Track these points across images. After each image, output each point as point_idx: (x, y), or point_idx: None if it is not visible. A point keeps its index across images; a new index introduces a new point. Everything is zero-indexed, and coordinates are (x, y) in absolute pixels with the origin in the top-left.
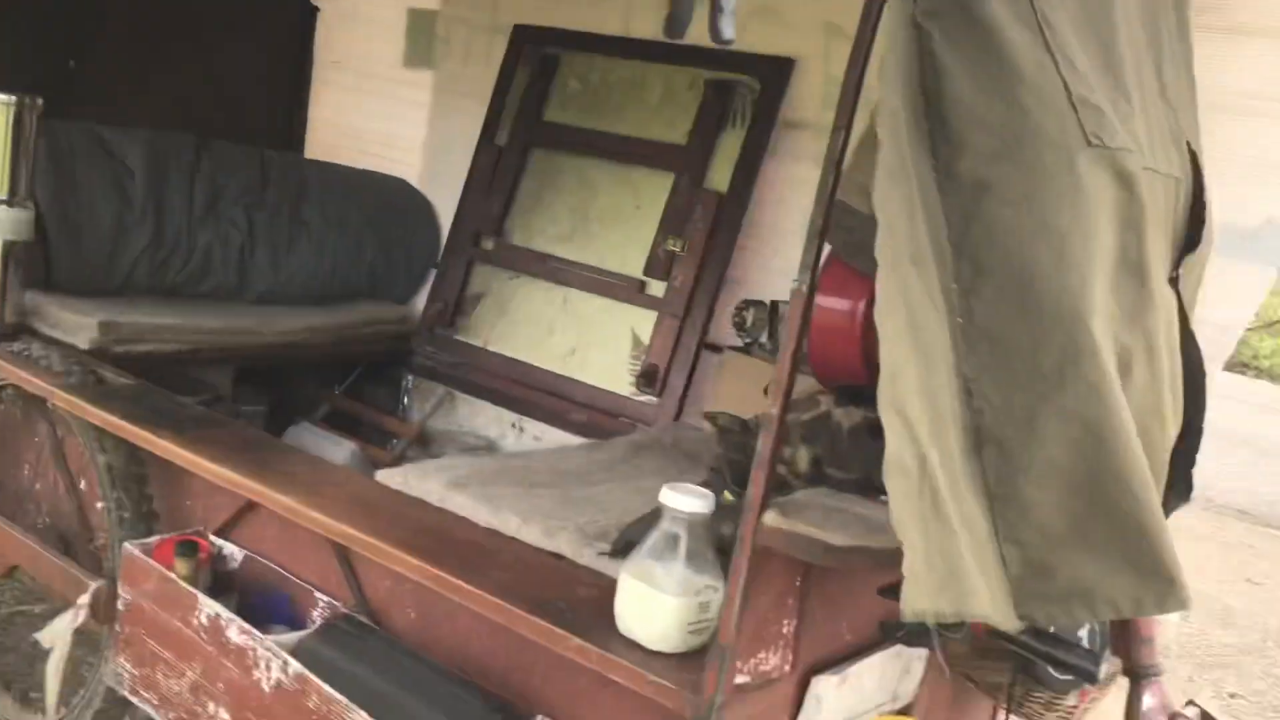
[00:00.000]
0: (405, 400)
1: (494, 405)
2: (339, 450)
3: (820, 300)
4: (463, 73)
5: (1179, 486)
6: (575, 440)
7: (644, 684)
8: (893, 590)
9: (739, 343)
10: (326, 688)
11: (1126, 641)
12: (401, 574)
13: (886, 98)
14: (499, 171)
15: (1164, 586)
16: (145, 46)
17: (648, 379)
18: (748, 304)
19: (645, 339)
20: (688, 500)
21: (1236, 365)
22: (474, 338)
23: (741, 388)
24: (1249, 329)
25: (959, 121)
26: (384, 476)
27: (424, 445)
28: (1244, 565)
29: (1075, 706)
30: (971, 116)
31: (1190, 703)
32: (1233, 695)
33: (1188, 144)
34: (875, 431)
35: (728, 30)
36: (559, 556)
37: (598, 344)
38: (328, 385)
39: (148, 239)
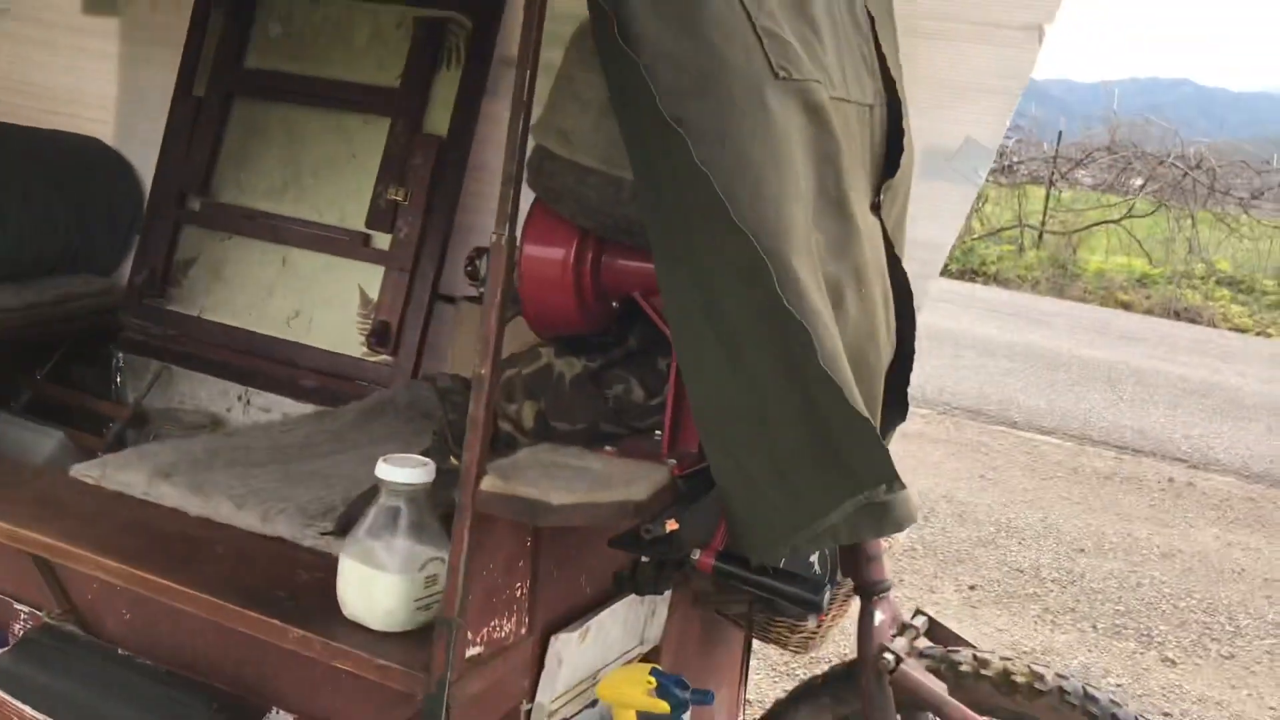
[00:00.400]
0: (118, 379)
1: (216, 378)
2: (45, 441)
3: (528, 250)
4: (152, 19)
5: (896, 406)
6: (307, 409)
7: (371, 669)
8: (621, 541)
9: (474, 292)
10: (28, 709)
11: (855, 561)
12: None
13: (585, 36)
14: (200, 125)
15: (880, 510)
16: None
17: (379, 337)
18: (480, 252)
19: (374, 295)
20: (404, 471)
21: (968, 272)
22: (188, 306)
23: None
24: (975, 238)
25: (649, 59)
26: (79, 471)
27: (141, 426)
28: (977, 463)
29: (817, 629)
30: (660, 53)
31: (918, 612)
32: (972, 587)
33: (885, 69)
34: (597, 380)
35: None
36: (280, 540)
37: (323, 304)
38: (29, 370)
39: None
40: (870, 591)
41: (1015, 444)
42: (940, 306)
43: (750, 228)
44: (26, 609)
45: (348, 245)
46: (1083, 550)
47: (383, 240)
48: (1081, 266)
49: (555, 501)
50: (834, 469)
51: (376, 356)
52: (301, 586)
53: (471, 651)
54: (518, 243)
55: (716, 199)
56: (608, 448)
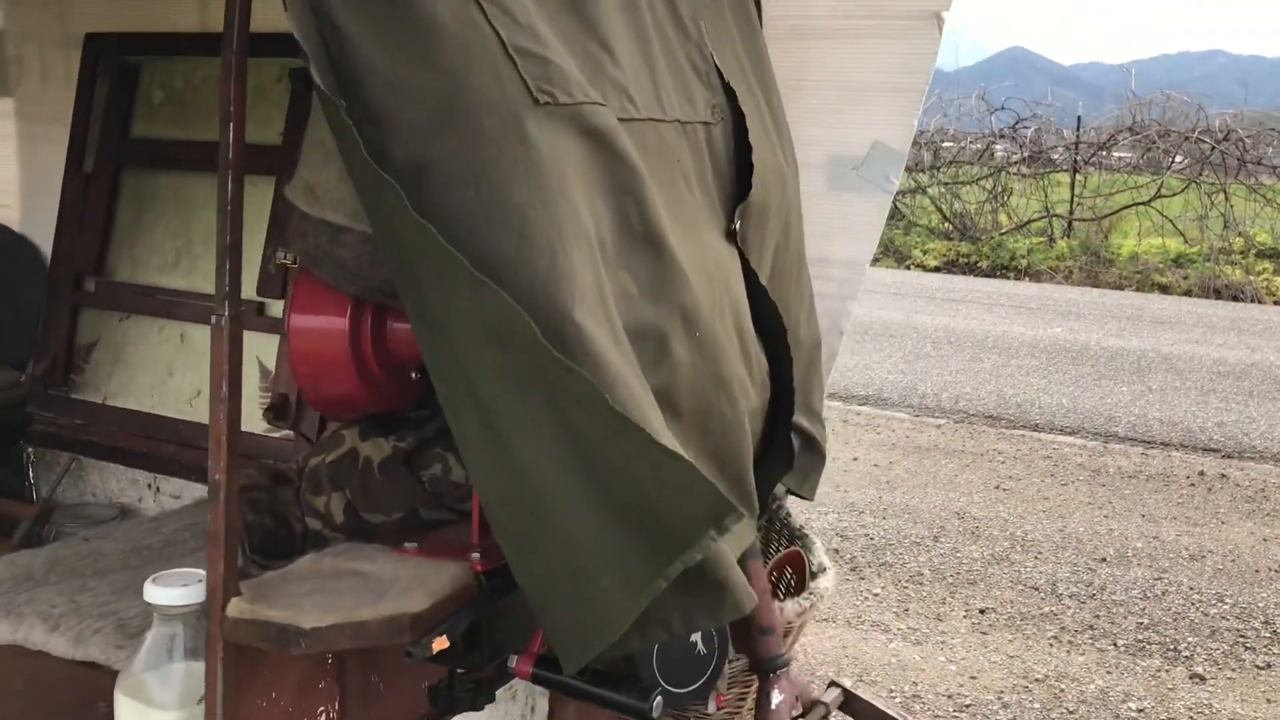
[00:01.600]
0: (31, 475)
1: (124, 466)
2: None
3: (295, 323)
4: (43, 95)
5: (777, 454)
6: None
7: None
8: (410, 653)
9: None
10: None
11: (747, 636)
12: None
13: (314, 78)
14: (90, 201)
15: (714, 595)
16: None
17: (278, 411)
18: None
19: (272, 367)
20: (173, 592)
21: (998, 269)
22: (92, 393)
23: None
24: (1003, 232)
25: (378, 97)
26: None
27: (47, 524)
28: (993, 473)
29: (738, 708)
30: (391, 88)
31: (832, 684)
32: (982, 610)
33: (724, 81)
34: (410, 462)
35: None
36: (91, 666)
37: None
38: None
39: None
40: (766, 668)
41: (1034, 448)
42: (963, 307)
43: (521, 284)
44: None
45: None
46: (1104, 560)
47: (276, 307)
48: (1115, 252)
49: (308, 625)
50: (648, 538)
51: (279, 432)
52: None
53: None
54: (284, 318)
55: (448, 253)
56: (408, 545)
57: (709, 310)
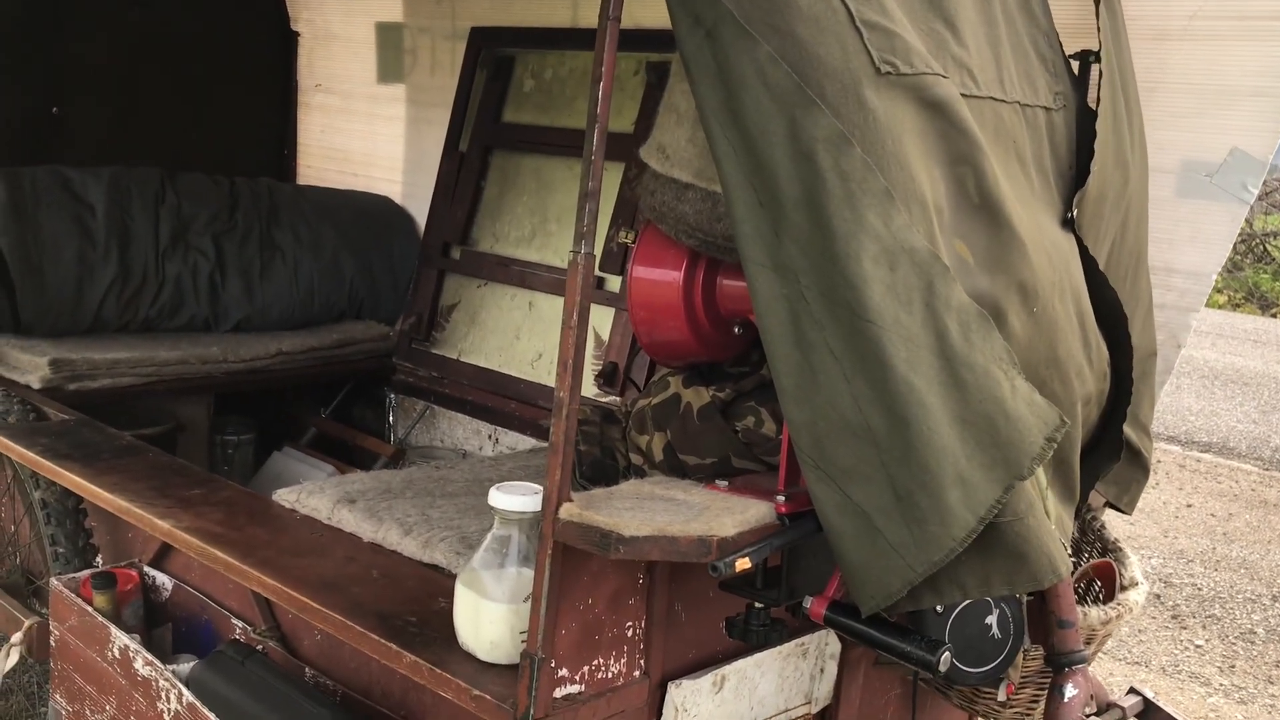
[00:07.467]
0: (391, 418)
1: (470, 417)
2: (316, 475)
3: (637, 273)
4: (430, 83)
5: (1106, 447)
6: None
7: (468, 699)
8: (730, 584)
9: None
10: (212, 717)
11: (1045, 627)
12: None
13: (678, 44)
14: (462, 178)
15: (1013, 563)
16: (130, 89)
17: (607, 378)
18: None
19: (606, 337)
20: (514, 499)
21: None
22: (449, 350)
23: None
24: None
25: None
26: (279, 496)
27: (401, 463)
28: None
29: (1030, 709)
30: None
31: (1132, 690)
32: None
33: (1077, 65)
34: (726, 412)
35: None
36: (434, 568)
37: None
38: (318, 408)
39: (113, 274)
40: (1061, 663)
41: None
42: None
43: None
44: (241, 624)
45: None
46: None
47: (614, 283)
48: None
49: (628, 533)
50: (998, 449)
51: (606, 397)
52: (434, 614)
53: (567, 690)
54: (628, 267)
55: (863, 177)
56: (719, 482)
57: (1048, 288)
